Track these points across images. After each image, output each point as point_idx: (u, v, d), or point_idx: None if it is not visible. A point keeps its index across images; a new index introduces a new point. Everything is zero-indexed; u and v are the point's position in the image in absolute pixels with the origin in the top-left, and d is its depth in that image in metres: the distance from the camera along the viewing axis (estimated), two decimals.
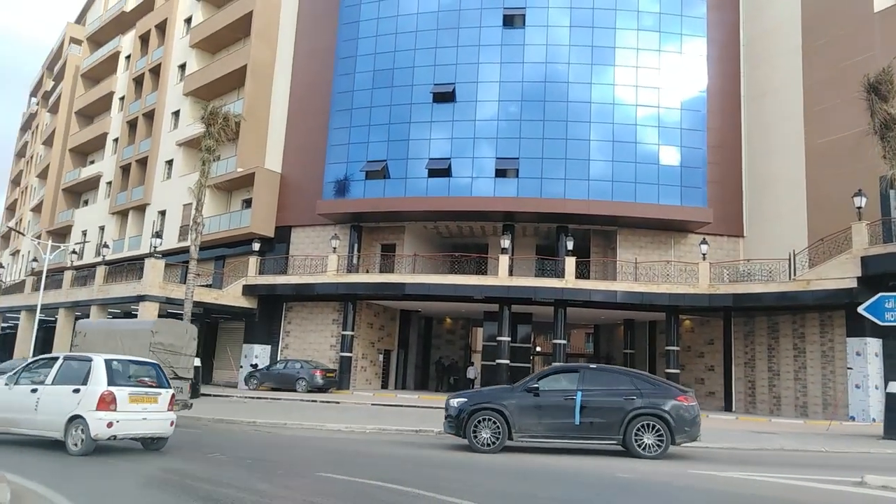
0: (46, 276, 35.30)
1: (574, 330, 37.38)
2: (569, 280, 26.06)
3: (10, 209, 71.62)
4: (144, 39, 44.27)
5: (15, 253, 61.35)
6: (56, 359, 10.33)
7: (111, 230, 43.28)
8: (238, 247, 33.26)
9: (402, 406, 22.44)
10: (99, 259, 33.76)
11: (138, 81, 43.99)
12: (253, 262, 30.78)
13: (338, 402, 23.08)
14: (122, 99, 46.23)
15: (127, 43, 47.07)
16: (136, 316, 28.21)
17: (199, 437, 12.60)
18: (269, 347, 30.45)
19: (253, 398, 23.88)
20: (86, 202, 49.71)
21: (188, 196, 25.19)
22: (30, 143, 66.21)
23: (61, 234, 49.26)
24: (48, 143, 56.45)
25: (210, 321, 34.46)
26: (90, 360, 9.91)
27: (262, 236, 31.98)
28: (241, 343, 31.34)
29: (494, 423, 11.22)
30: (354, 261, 30.21)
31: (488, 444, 11.19)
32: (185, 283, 24.92)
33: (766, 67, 29.09)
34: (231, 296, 30.15)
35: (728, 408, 25.97)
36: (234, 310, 30.47)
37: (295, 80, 34.55)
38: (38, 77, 68.42)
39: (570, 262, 26.38)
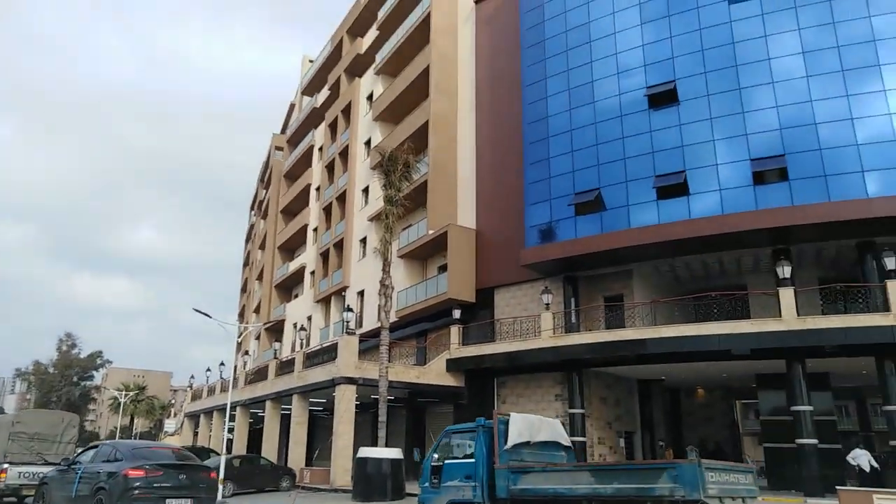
0: (257, 372, 34.89)
1: None
2: None
3: (241, 315, 77.53)
4: (333, 127, 44.71)
5: (244, 353, 65.07)
6: None
7: (317, 319, 42.51)
8: (438, 319, 29.32)
9: None
10: (301, 349, 32.06)
11: (330, 168, 44.16)
12: (455, 331, 26.60)
13: None
14: (317, 189, 46.85)
15: (318, 135, 48.26)
16: (333, 403, 25.00)
17: None
18: None
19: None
20: (295, 295, 50.45)
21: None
22: (251, 252, 71.55)
23: (277, 330, 50.19)
24: (262, 246, 59.77)
25: (417, 406, 30.49)
26: None
27: (462, 302, 27.74)
28: None
29: (43, 494, 12.11)
30: (573, 318, 24.42)
31: None
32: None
33: None
34: (434, 373, 26.04)
35: None
36: (439, 389, 26.28)
37: (480, 123, 30.99)
38: (254, 192, 74.90)
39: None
